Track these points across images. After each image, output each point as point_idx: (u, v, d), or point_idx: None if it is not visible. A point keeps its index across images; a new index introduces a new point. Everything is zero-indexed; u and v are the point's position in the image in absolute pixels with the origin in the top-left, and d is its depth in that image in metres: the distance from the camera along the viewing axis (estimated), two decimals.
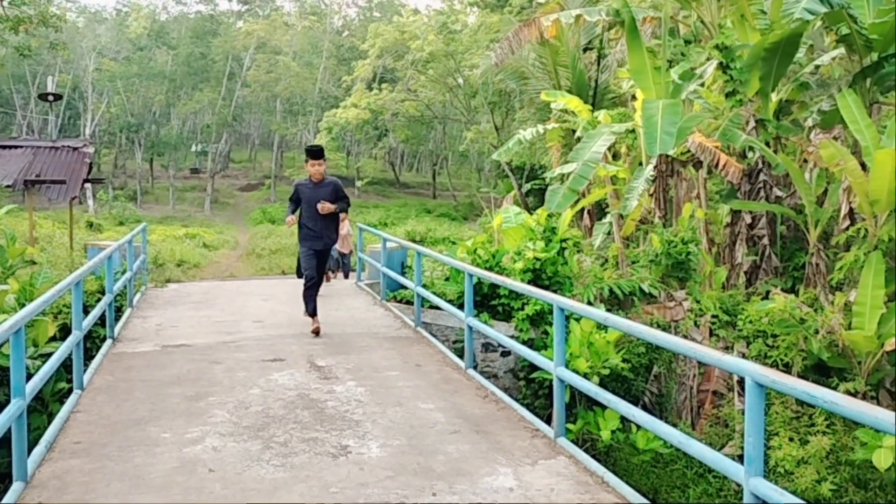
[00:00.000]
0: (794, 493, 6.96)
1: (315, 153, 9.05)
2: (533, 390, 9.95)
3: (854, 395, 8.28)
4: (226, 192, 59.30)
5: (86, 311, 7.27)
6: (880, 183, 8.92)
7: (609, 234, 14.07)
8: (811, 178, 11.38)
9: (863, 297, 8.66)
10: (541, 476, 5.03)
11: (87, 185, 30.09)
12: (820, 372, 8.80)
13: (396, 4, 63.42)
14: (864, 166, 9.58)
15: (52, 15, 23.56)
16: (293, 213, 9.23)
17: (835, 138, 10.55)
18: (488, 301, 10.64)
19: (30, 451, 4.90)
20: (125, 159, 62.24)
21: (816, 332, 8.89)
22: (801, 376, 8.29)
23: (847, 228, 9.93)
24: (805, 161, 11.60)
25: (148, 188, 58.64)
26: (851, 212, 10.07)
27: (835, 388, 8.13)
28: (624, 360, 9.21)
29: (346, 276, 15.30)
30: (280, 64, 55.46)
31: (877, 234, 9.19)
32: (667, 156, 11.98)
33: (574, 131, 15.43)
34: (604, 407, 8.25)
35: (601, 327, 8.96)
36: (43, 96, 22.58)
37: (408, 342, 9.13)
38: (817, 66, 12.67)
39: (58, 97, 25.99)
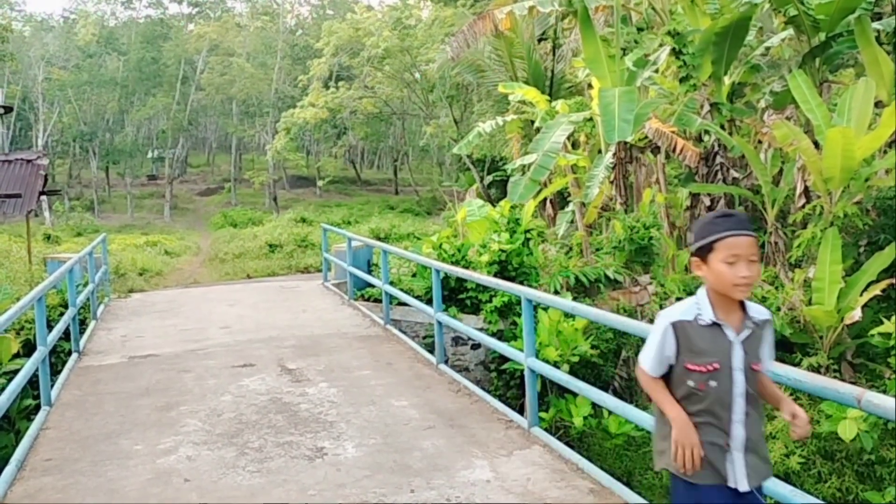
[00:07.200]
0: None
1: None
2: (504, 381, 10.01)
3: (817, 369, 8.47)
4: (185, 198, 58.50)
5: (49, 326, 7.16)
6: (833, 160, 9.11)
7: (572, 222, 14.18)
8: (766, 158, 11.59)
9: (821, 272, 8.85)
10: (517, 466, 5.08)
11: (43, 197, 29.53)
12: (783, 348, 8.98)
13: (349, 1, 62.94)
14: (816, 145, 9.78)
15: None
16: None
17: (787, 118, 10.74)
18: (456, 295, 10.67)
19: (0, 471, 4.83)
20: (80, 169, 61.07)
21: (778, 309, 9.07)
22: None
23: (803, 206, 10.14)
24: (760, 142, 11.80)
25: (105, 197, 57.60)
26: (807, 190, 10.28)
27: (798, 364, 8.32)
28: (592, 347, 9.29)
29: None
30: (234, 66, 54.76)
31: (832, 211, 9.39)
32: (625, 143, 12.12)
33: (533, 122, 15.49)
34: (575, 394, 8.32)
35: (569, 315, 9.03)
36: None
37: (378, 340, 9.13)
38: (767, 48, 12.89)
39: (8, 109, 25.39)
